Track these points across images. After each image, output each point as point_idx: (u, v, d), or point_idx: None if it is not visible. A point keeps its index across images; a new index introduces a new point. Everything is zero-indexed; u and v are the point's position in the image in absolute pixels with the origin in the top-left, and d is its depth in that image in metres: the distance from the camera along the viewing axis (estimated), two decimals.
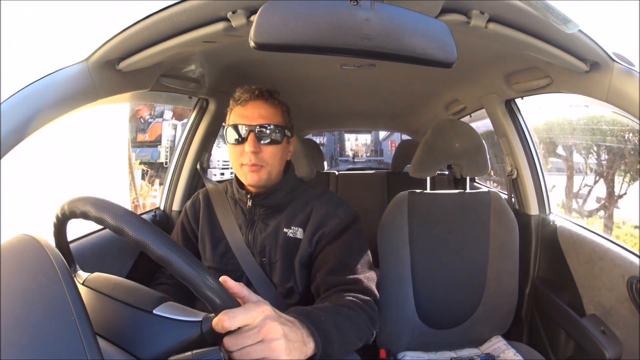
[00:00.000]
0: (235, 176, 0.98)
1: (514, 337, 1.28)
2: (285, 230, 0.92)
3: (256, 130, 0.88)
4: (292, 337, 0.55)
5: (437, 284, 1.20)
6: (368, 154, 18.78)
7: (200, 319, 0.50)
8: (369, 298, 0.83)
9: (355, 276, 0.84)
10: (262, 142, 0.88)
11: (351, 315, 0.75)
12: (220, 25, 0.71)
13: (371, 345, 1.21)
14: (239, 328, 0.50)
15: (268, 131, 0.89)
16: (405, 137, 3.20)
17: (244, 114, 0.90)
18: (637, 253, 1.01)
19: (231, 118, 0.93)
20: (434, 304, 1.20)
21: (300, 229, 0.92)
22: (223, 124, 1.29)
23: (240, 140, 0.89)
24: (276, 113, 0.91)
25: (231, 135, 0.90)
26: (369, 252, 0.92)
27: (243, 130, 0.88)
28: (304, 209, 0.94)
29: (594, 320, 1.08)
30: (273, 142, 0.89)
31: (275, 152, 0.90)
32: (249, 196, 0.94)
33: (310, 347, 0.59)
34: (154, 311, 0.50)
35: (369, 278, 0.86)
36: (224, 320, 0.48)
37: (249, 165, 0.88)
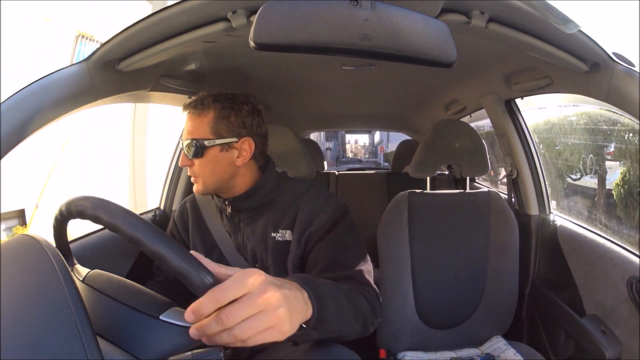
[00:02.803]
0: None
1: (514, 337, 1.28)
2: (273, 234, 0.90)
3: (184, 146, 0.89)
4: (293, 300, 0.51)
5: (437, 284, 1.20)
6: (367, 156, 22.09)
7: None
8: (366, 287, 0.81)
9: (350, 271, 0.82)
10: (190, 156, 0.88)
11: (348, 291, 0.72)
12: (220, 26, 0.71)
13: (371, 345, 1.22)
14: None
15: (188, 147, 0.88)
16: (393, 142, 3.23)
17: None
18: (637, 253, 1.01)
19: None
20: (434, 303, 1.20)
21: (288, 231, 0.90)
22: None
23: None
24: (200, 124, 0.88)
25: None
26: (363, 246, 0.89)
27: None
28: (290, 209, 0.91)
29: (594, 320, 1.08)
30: (195, 156, 0.88)
31: (202, 165, 0.88)
32: (226, 202, 0.92)
33: (309, 309, 0.56)
34: (161, 317, 0.50)
35: (364, 272, 0.84)
36: (215, 296, 0.43)
37: (193, 178, 0.90)
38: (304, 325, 0.54)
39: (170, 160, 1.53)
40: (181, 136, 0.93)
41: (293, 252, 0.89)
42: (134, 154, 4.88)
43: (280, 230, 0.90)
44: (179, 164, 0.89)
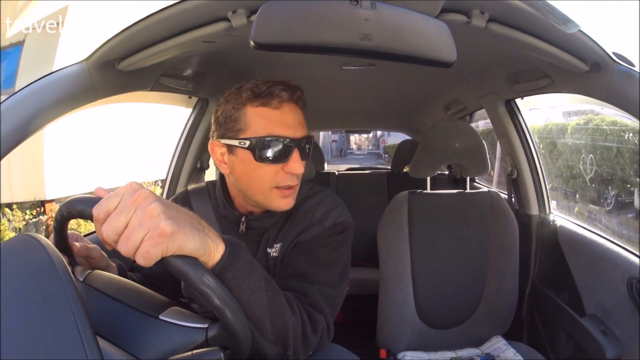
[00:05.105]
0: (224, 189, 0.80)
1: (514, 337, 1.28)
2: (268, 250, 0.78)
3: (301, 145, 0.71)
4: (182, 216, 0.46)
5: (437, 284, 1.20)
6: (370, 147, 24.17)
7: (206, 326, 0.50)
8: (314, 311, 0.66)
9: (308, 286, 0.67)
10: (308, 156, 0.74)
11: (280, 294, 0.59)
12: (220, 25, 0.71)
13: (371, 345, 1.21)
14: None
15: (308, 146, 0.72)
16: (392, 137, 3.23)
17: (282, 121, 0.69)
18: (637, 253, 1.01)
19: (258, 124, 0.69)
20: (434, 303, 1.20)
21: (280, 244, 0.78)
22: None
23: (279, 158, 0.69)
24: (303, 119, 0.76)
25: (268, 150, 0.68)
26: (343, 268, 0.75)
27: (284, 145, 0.69)
28: (287, 219, 0.78)
29: (594, 320, 1.08)
30: (307, 157, 0.74)
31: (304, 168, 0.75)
32: (242, 219, 0.77)
33: (219, 248, 0.50)
34: (160, 316, 0.50)
35: (323, 295, 0.68)
36: (98, 208, 0.44)
37: (288, 189, 0.71)
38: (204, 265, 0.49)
39: (171, 156, 1.51)
40: (273, 134, 0.69)
41: (278, 266, 0.76)
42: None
43: (274, 245, 0.78)
44: (298, 170, 0.70)
